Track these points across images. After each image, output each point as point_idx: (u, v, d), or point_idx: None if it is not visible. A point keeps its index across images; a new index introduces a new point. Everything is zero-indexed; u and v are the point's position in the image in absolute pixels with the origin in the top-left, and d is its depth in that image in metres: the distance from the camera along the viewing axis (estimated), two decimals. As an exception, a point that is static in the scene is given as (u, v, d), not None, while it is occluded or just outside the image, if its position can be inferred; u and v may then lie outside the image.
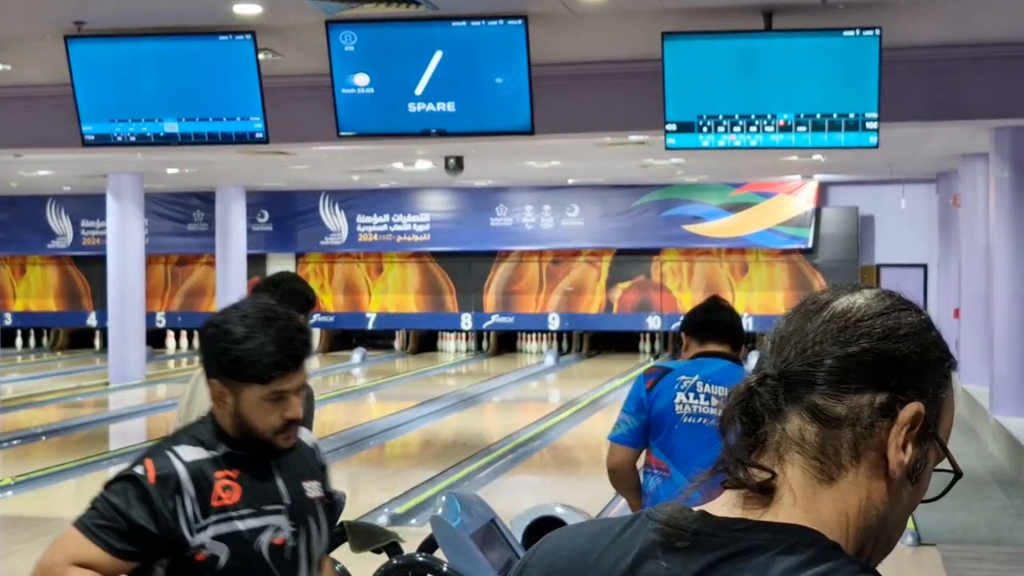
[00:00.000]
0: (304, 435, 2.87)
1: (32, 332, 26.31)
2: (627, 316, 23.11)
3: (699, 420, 3.91)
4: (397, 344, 25.20)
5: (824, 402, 1.20)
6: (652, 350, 23.63)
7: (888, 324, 1.23)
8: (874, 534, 1.23)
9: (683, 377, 3.98)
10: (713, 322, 4.13)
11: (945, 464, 1.27)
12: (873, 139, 8.51)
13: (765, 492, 1.20)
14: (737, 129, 8.67)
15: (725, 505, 1.22)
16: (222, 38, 8.91)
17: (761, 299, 22.27)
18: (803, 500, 1.19)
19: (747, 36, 8.60)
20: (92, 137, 9.41)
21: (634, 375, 21.17)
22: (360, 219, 23.67)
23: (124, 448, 12.24)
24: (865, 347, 1.21)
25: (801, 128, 8.59)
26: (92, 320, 24.92)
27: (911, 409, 1.21)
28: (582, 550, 1.26)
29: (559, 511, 5.31)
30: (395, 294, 24.05)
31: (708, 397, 3.93)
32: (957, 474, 1.27)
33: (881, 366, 1.21)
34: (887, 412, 1.20)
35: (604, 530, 1.26)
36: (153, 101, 9.21)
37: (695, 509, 1.21)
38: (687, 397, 3.94)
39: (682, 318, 4.28)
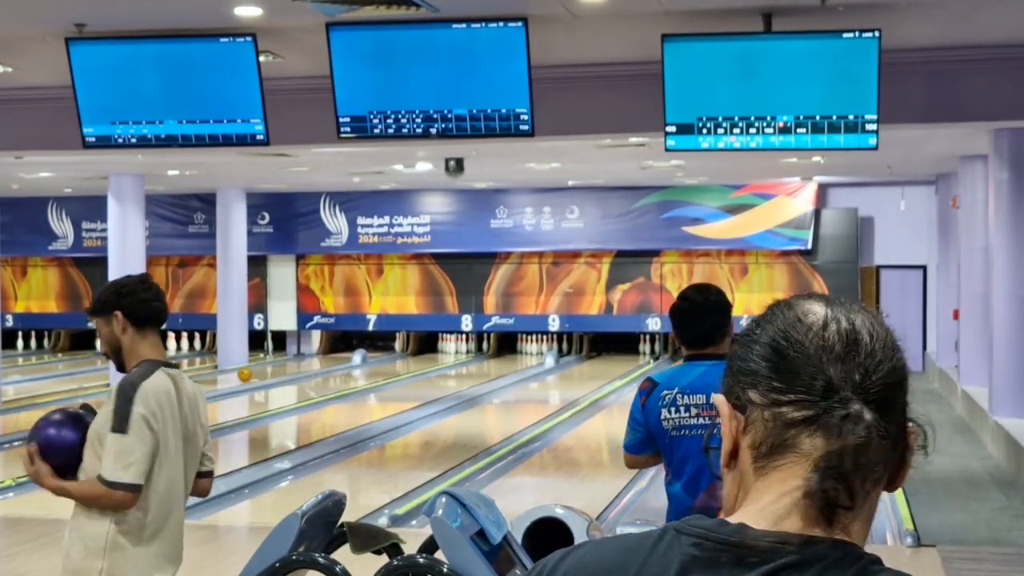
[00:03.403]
0: None
1: (33, 334, 26.34)
2: (627, 318, 23.13)
3: (682, 432, 4.15)
4: (397, 345, 25.21)
5: (892, 428, 1.22)
6: (652, 351, 23.65)
7: (893, 341, 1.27)
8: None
9: (665, 392, 4.21)
10: (693, 337, 4.32)
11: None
12: (872, 141, 8.52)
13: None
14: (737, 131, 8.69)
15: (770, 514, 1.22)
16: (223, 40, 8.93)
17: (761, 300, 22.26)
18: (841, 515, 1.22)
19: (747, 38, 8.62)
20: (93, 139, 9.43)
21: (634, 376, 21.25)
22: (360, 221, 23.70)
23: (125, 449, 12.24)
24: (897, 366, 1.25)
25: (801, 130, 8.60)
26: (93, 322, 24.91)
27: (913, 424, 1.27)
28: (615, 567, 1.24)
29: (559, 512, 5.32)
30: (395, 296, 24.07)
31: (688, 408, 4.16)
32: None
33: (904, 385, 1.26)
34: (904, 428, 1.26)
35: (634, 546, 1.25)
36: (154, 103, 9.23)
37: (734, 522, 1.21)
38: (670, 412, 4.17)
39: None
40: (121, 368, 4.13)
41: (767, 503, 1.22)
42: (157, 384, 3.96)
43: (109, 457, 3.84)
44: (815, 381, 1.22)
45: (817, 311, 1.26)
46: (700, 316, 4.30)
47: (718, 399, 1.28)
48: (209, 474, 4.23)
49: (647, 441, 4.30)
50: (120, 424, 3.87)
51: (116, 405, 3.90)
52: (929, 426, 1.28)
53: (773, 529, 1.20)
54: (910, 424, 1.26)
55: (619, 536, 1.29)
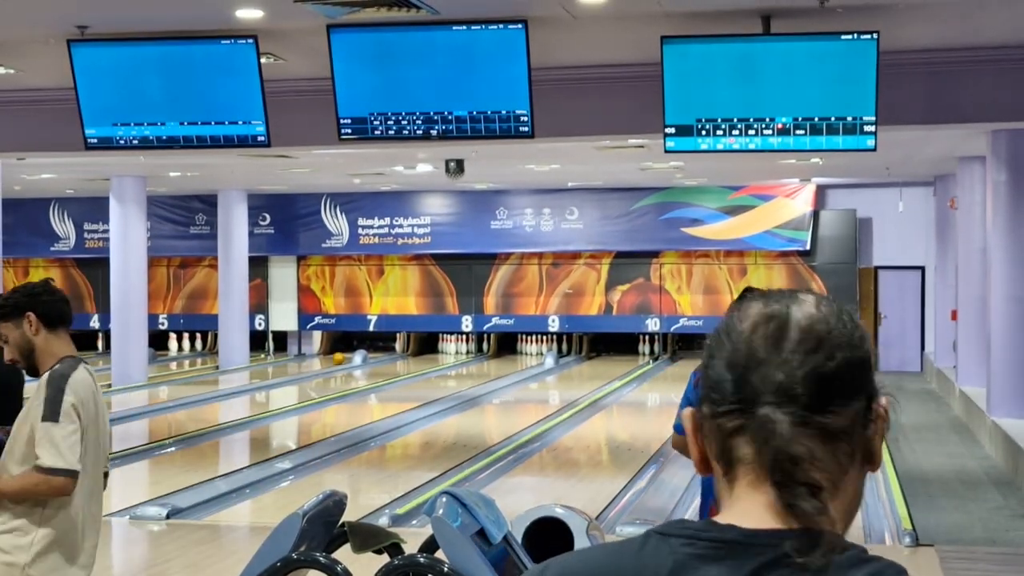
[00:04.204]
0: None
1: (33, 334, 26.33)
2: (626, 318, 23.16)
3: None
4: (398, 346, 25.24)
5: (828, 420, 1.24)
6: (651, 352, 23.67)
7: (850, 330, 1.28)
8: (851, 521, 1.30)
9: None
10: None
11: None
12: (871, 142, 8.56)
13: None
14: (736, 132, 8.72)
15: (750, 516, 1.25)
16: (224, 42, 8.96)
17: (760, 301, 22.31)
18: (809, 508, 1.24)
19: (746, 40, 8.65)
20: (95, 140, 9.47)
21: (633, 377, 21.23)
22: (361, 222, 23.73)
23: (126, 449, 12.29)
24: (847, 357, 1.26)
25: (799, 131, 8.64)
26: (95, 322, 24.98)
27: (883, 406, 1.29)
28: (607, 570, 1.26)
29: (559, 512, 5.35)
30: (396, 296, 24.10)
31: None
32: None
33: (861, 374, 1.27)
34: (869, 413, 1.27)
35: (618, 551, 1.27)
36: (156, 105, 9.26)
37: (722, 522, 1.24)
38: None
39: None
40: (33, 371, 4.14)
41: (744, 506, 1.26)
42: (83, 378, 4.01)
43: (44, 447, 3.84)
44: (739, 390, 1.25)
45: (752, 314, 1.28)
46: None
47: (685, 413, 1.32)
48: (106, 474, 4.24)
49: None
50: (52, 413, 3.90)
51: (48, 394, 3.93)
52: (895, 399, 1.31)
53: (759, 528, 1.23)
54: (882, 400, 1.28)
55: (601, 545, 1.31)
